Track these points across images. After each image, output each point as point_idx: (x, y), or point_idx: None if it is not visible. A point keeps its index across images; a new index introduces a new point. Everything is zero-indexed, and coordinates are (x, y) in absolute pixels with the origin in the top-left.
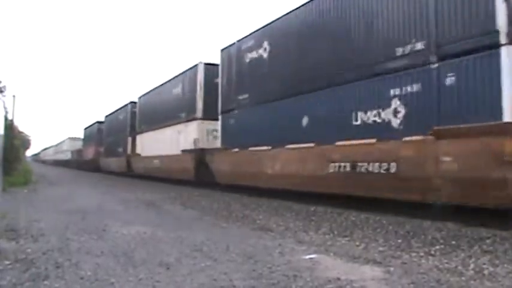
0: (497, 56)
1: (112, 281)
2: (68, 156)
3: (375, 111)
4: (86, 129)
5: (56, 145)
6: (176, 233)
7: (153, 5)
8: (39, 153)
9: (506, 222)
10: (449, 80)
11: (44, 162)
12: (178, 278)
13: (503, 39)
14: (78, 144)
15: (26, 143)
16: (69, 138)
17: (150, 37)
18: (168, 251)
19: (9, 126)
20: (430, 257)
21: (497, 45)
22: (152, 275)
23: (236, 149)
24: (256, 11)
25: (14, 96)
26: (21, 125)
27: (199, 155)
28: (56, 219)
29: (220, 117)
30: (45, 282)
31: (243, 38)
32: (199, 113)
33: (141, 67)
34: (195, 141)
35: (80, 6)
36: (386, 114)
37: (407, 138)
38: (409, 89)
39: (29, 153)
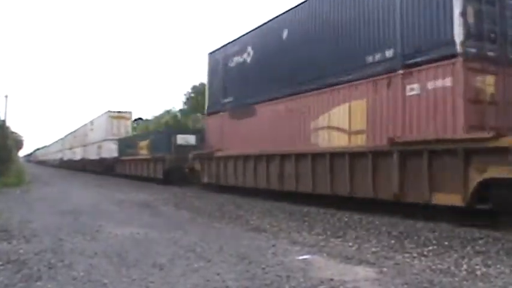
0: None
1: (105, 281)
2: (109, 151)
3: None
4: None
5: (66, 137)
6: (170, 234)
7: (150, 7)
8: (32, 153)
9: (499, 223)
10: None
11: (41, 163)
12: (171, 278)
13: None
14: (125, 126)
15: (18, 144)
16: (109, 113)
17: (145, 38)
18: (162, 252)
19: (2, 126)
20: (423, 258)
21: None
22: (146, 276)
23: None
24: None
25: (6, 96)
26: (13, 125)
27: None
28: (49, 220)
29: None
30: (38, 283)
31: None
32: None
33: (132, 70)
34: None
35: (72, 6)
36: None
37: None
38: None
39: (21, 153)
